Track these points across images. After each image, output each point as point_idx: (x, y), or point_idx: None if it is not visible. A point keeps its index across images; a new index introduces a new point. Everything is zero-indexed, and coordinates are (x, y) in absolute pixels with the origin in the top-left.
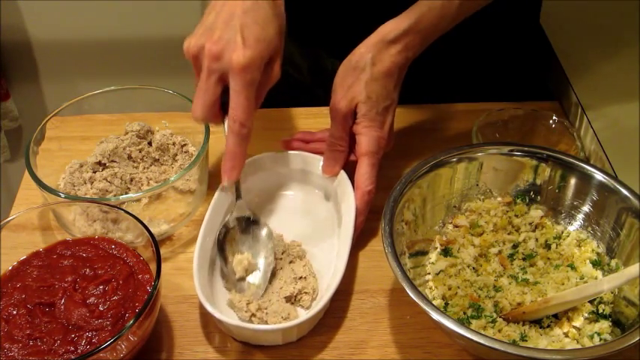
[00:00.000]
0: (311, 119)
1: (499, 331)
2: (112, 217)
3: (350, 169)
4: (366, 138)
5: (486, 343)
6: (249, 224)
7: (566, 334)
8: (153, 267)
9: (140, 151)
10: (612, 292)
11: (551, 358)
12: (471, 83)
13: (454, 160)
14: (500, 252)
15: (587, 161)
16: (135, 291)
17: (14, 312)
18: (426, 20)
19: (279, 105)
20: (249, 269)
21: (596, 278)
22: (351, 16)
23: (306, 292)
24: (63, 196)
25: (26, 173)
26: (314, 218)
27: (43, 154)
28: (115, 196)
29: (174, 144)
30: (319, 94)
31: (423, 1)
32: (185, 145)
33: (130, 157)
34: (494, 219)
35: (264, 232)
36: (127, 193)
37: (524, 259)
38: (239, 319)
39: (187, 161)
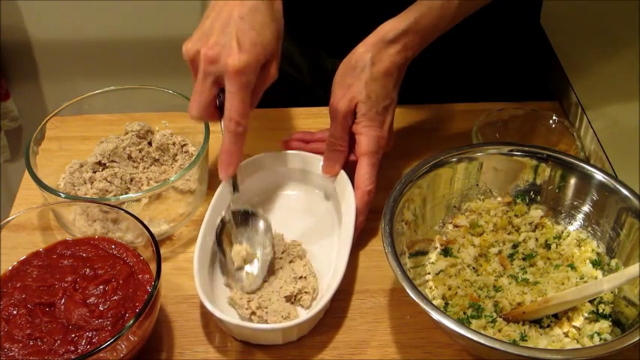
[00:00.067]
0: (311, 119)
1: (499, 331)
2: (112, 217)
3: (350, 168)
4: (366, 138)
5: (486, 343)
6: (247, 217)
7: (566, 334)
8: (153, 267)
9: (140, 151)
10: (612, 292)
11: (551, 358)
12: (471, 83)
13: (454, 160)
14: (500, 252)
15: (587, 161)
16: (135, 291)
17: (14, 312)
18: (425, 20)
19: (279, 105)
20: (248, 259)
21: (596, 278)
22: (351, 16)
23: (306, 292)
24: (63, 196)
25: (26, 173)
26: (314, 218)
27: (43, 154)
28: (115, 196)
29: (174, 144)
30: (319, 94)
31: (423, 1)
32: (185, 145)
33: (130, 157)
34: (494, 219)
35: (261, 223)
36: (127, 193)
37: (524, 259)
38: (239, 317)
39: (187, 161)
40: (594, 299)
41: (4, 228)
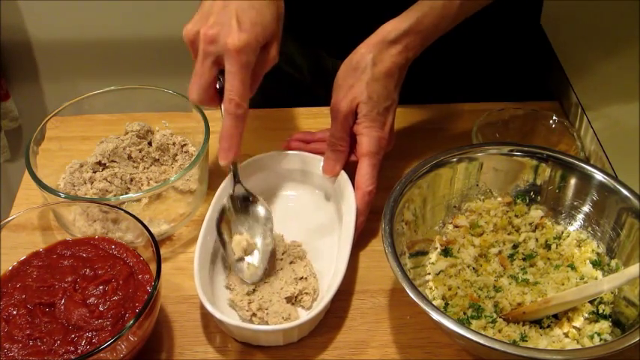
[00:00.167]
0: (311, 119)
1: (499, 331)
2: (112, 217)
3: (350, 169)
4: (367, 138)
5: (486, 343)
6: (246, 204)
7: (566, 335)
8: (153, 267)
9: (140, 151)
10: (612, 293)
11: (551, 358)
12: (471, 83)
13: (454, 160)
14: (500, 252)
15: (587, 161)
16: (135, 291)
17: (14, 312)
18: (426, 20)
19: (279, 105)
20: (248, 249)
21: (596, 278)
22: (351, 16)
23: (306, 293)
24: (63, 196)
25: (26, 173)
26: (314, 219)
27: (43, 154)
28: (115, 196)
29: (174, 144)
30: (319, 94)
31: (424, 1)
32: (185, 145)
33: (130, 157)
34: (494, 219)
35: (261, 210)
36: (127, 193)
37: (524, 260)
38: (240, 319)
39: (187, 161)
40: (594, 299)
41: (4, 228)
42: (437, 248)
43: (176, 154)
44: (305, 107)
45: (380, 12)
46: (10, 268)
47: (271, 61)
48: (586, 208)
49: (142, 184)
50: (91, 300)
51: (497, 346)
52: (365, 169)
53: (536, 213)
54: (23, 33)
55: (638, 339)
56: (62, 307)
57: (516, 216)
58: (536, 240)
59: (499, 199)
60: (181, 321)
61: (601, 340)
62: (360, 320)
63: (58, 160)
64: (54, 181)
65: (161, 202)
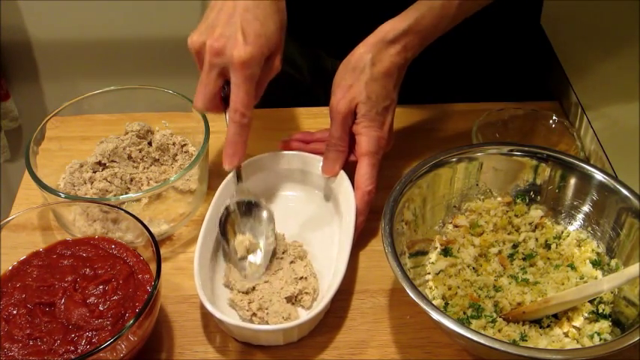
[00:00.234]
0: (311, 119)
1: (499, 331)
2: (112, 217)
3: (350, 169)
4: (366, 138)
5: (486, 343)
6: (250, 207)
7: (566, 334)
8: (153, 267)
9: (140, 151)
10: (612, 292)
11: (551, 358)
12: (471, 83)
13: (454, 160)
14: (500, 252)
15: (587, 161)
16: (135, 291)
17: (14, 312)
18: (425, 20)
19: (279, 105)
20: (251, 249)
21: (596, 278)
22: (351, 16)
23: (306, 293)
24: (63, 196)
25: (26, 173)
26: (314, 219)
27: (43, 154)
28: (115, 196)
29: (174, 144)
30: (319, 94)
31: (423, 1)
32: (185, 145)
33: (130, 157)
34: (494, 219)
35: (265, 214)
36: (127, 193)
37: (524, 259)
38: (240, 319)
39: (187, 161)
40: (594, 299)
41: (4, 228)
42: (437, 248)
43: (176, 154)
44: (305, 107)
45: (379, 12)
46: (10, 268)
47: (274, 70)
48: (586, 208)
49: (142, 184)
50: (91, 300)
51: (497, 345)
52: (364, 169)
53: (536, 213)
54: (23, 33)
55: (637, 339)
56: (62, 307)
57: (516, 216)
58: (536, 240)
59: (499, 198)
60: (181, 321)
61: (601, 339)
62: (360, 320)
63: (58, 160)
64: (54, 181)
65: (161, 202)
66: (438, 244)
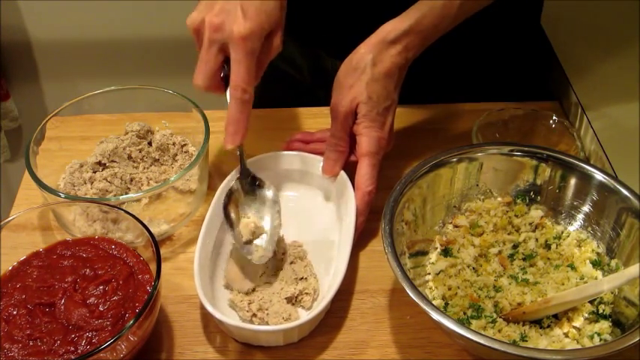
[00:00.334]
0: (311, 119)
1: (499, 331)
2: (112, 217)
3: (350, 169)
4: (367, 138)
5: (486, 343)
6: (253, 187)
7: (566, 335)
8: (153, 267)
9: (140, 151)
10: (612, 292)
11: (551, 358)
12: (471, 83)
13: (454, 160)
14: (500, 252)
15: (587, 161)
16: (135, 291)
17: (14, 312)
18: (426, 20)
19: (279, 105)
20: (257, 232)
21: (596, 278)
22: (351, 16)
23: (307, 293)
24: (63, 196)
25: (26, 173)
26: (314, 219)
27: (43, 154)
28: (115, 196)
29: (174, 144)
30: (319, 94)
31: (424, 1)
32: (185, 145)
33: (130, 157)
34: (494, 219)
35: (270, 195)
36: (127, 193)
37: (524, 259)
38: (240, 319)
39: (187, 161)
40: (594, 299)
41: (4, 228)
42: (437, 248)
43: (176, 154)
44: (305, 107)
45: (380, 12)
46: (10, 268)
47: (275, 49)
48: (586, 208)
49: (142, 184)
50: (91, 300)
51: (497, 346)
52: (365, 169)
53: (536, 213)
54: (23, 33)
55: (638, 339)
56: (62, 307)
57: (516, 216)
58: (536, 240)
59: (499, 199)
60: (181, 321)
61: (601, 340)
62: (360, 320)
63: (58, 160)
64: (54, 181)
65: (161, 202)
66: (438, 245)
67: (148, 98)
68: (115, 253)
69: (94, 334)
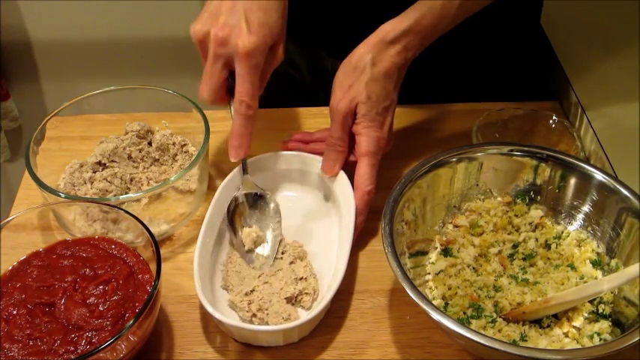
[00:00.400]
0: (311, 119)
1: (499, 331)
2: (112, 217)
3: (349, 169)
4: (366, 138)
5: (486, 343)
6: (256, 199)
7: (566, 334)
8: (153, 267)
9: (140, 151)
10: (612, 292)
11: (551, 358)
12: (471, 83)
13: (454, 160)
14: (500, 252)
15: (587, 161)
16: (135, 291)
17: (14, 312)
18: (426, 20)
19: (279, 105)
20: (258, 241)
21: (596, 278)
22: (351, 16)
23: (306, 293)
24: (63, 196)
25: (26, 173)
26: (314, 219)
27: (43, 154)
28: (115, 196)
29: (174, 144)
30: (319, 95)
31: (423, 1)
32: (185, 145)
33: (130, 157)
34: (494, 219)
35: (271, 206)
36: (127, 193)
37: (524, 259)
38: (240, 320)
39: (187, 161)
40: (594, 299)
41: (4, 228)
42: (437, 248)
43: (176, 154)
44: (305, 107)
45: (379, 12)
46: (10, 268)
47: (278, 59)
48: (586, 208)
49: (142, 184)
50: (91, 300)
51: (497, 345)
52: (364, 169)
53: (536, 213)
54: (23, 33)
55: (637, 339)
56: (62, 307)
57: (516, 216)
58: (536, 240)
59: (499, 198)
60: (181, 321)
61: (601, 339)
62: (359, 320)
63: (58, 160)
64: (54, 181)
65: (161, 202)
66: (438, 244)
67: (148, 98)
68: (115, 252)
69: (94, 333)
